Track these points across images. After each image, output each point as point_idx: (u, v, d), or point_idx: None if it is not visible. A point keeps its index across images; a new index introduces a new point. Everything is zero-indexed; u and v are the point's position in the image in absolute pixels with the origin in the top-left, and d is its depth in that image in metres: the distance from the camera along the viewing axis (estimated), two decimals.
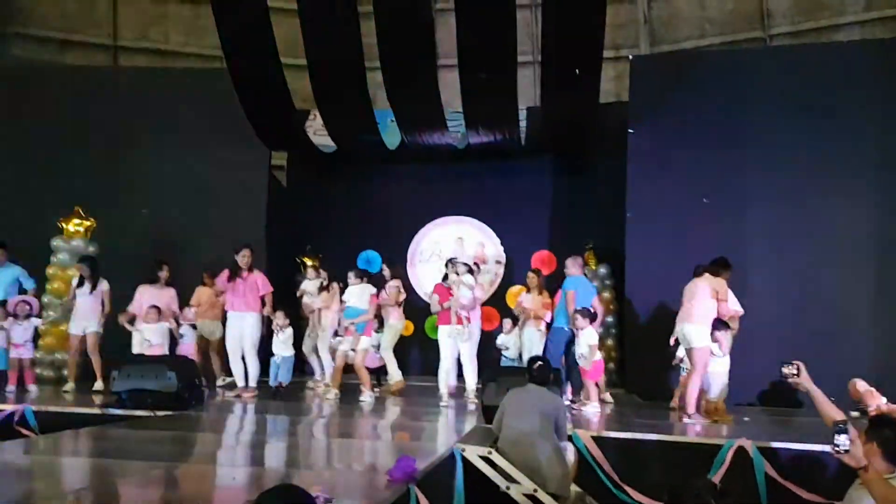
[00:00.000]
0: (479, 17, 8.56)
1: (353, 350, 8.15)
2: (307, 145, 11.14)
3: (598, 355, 7.65)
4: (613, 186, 9.70)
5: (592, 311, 7.80)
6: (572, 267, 8.21)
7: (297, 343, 8.95)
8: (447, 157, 11.22)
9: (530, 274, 8.94)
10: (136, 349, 8.19)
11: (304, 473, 4.36)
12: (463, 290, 8.12)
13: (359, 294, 8.19)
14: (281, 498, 2.39)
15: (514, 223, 11.75)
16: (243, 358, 8.18)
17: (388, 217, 11.89)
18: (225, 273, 8.26)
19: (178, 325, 8.80)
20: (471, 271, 8.34)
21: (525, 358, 8.45)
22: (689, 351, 7.01)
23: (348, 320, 8.12)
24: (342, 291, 8.62)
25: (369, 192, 12.07)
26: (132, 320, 8.38)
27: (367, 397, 8.03)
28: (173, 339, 8.69)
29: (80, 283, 8.28)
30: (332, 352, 8.68)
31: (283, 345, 8.51)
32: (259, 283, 8.22)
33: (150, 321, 8.24)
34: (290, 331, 8.59)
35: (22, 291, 8.80)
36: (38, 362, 8.66)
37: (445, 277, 8.68)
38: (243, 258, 8.21)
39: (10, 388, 7.96)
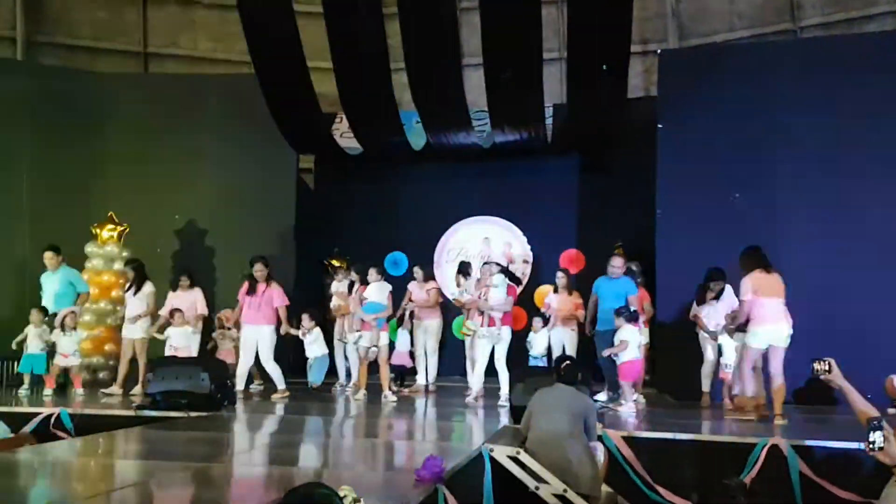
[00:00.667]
0: (504, 15, 8.53)
1: (374, 346, 8.18)
2: (334, 148, 11.21)
3: (634, 354, 7.55)
4: (642, 183, 9.60)
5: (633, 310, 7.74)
6: (623, 267, 8.10)
7: (329, 343, 9.04)
8: (473, 156, 11.19)
9: (559, 273, 8.88)
10: (167, 352, 8.34)
11: (332, 473, 4.39)
12: (494, 292, 8.11)
13: (378, 290, 8.23)
14: (307, 496, 2.39)
15: (542, 222, 11.68)
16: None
17: (414, 218, 11.90)
18: (245, 285, 8.36)
19: (221, 327, 8.86)
20: (503, 272, 8.32)
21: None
22: (776, 350, 6.79)
23: (370, 315, 8.15)
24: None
25: (396, 193, 12.09)
26: (163, 327, 8.51)
27: (389, 396, 8.06)
28: (206, 342, 8.82)
29: (129, 288, 8.54)
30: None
31: (312, 345, 8.58)
32: (275, 296, 8.30)
33: (175, 324, 8.38)
34: (317, 331, 8.65)
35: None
36: None
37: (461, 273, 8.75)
38: (257, 272, 8.30)
39: (48, 391, 8.14)
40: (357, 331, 8.26)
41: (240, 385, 8.27)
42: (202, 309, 8.76)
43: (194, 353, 8.42)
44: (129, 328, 8.53)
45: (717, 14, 12.73)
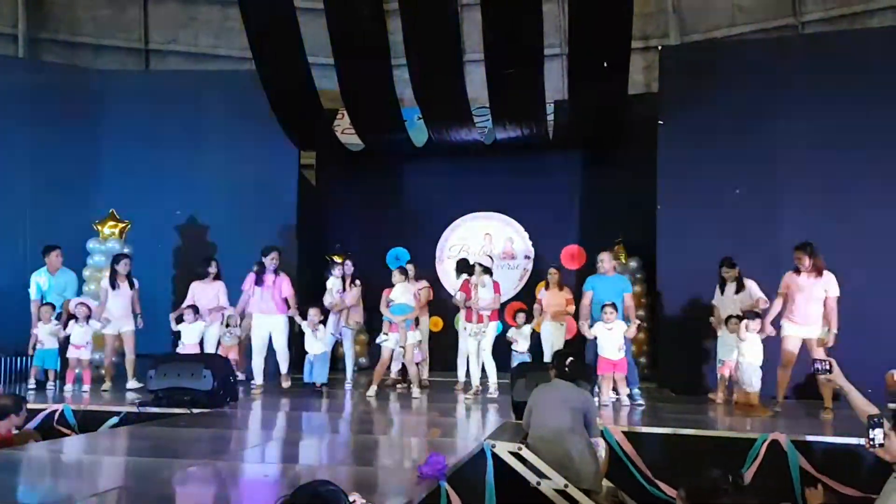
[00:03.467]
0: (505, 11, 8.53)
1: (401, 347, 8.21)
2: (336, 144, 11.21)
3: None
4: (643, 179, 9.61)
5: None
6: (611, 262, 8.08)
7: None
8: (475, 152, 11.20)
9: (552, 270, 8.93)
10: (180, 349, 8.31)
11: (335, 470, 4.41)
12: (483, 292, 8.22)
13: (404, 291, 8.24)
14: (315, 494, 2.40)
15: (543, 218, 11.68)
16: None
17: (416, 214, 11.91)
18: (251, 276, 8.38)
19: (230, 323, 8.82)
20: (488, 272, 8.40)
21: (547, 353, 8.45)
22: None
23: (399, 317, 8.15)
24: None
25: (397, 189, 12.11)
26: (180, 318, 8.44)
27: (416, 393, 8.10)
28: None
29: (112, 283, 8.45)
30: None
31: (318, 342, 8.53)
32: (284, 285, 8.36)
33: (187, 320, 8.36)
34: (323, 327, 8.67)
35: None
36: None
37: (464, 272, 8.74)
38: (272, 261, 8.37)
39: (68, 386, 8.14)
40: (385, 333, 8.30)
41: (259, 379, 8.34)
42: (224, 302, 8.73)
43: (210, 349, 8.45)
44: (112, 324, 8.43)
45: (718, 9, 12.69)
